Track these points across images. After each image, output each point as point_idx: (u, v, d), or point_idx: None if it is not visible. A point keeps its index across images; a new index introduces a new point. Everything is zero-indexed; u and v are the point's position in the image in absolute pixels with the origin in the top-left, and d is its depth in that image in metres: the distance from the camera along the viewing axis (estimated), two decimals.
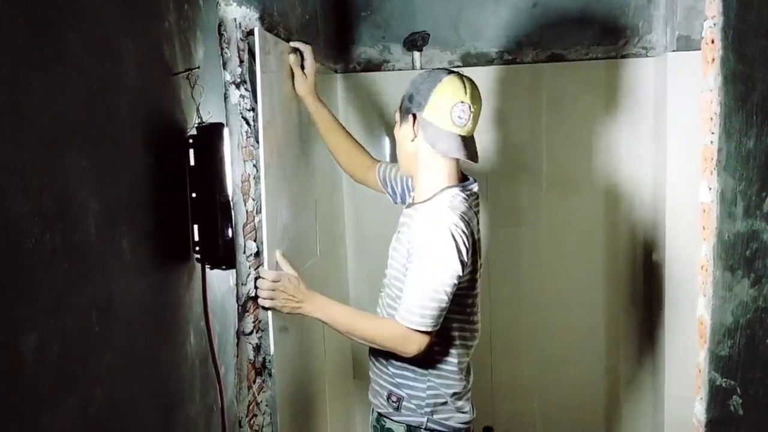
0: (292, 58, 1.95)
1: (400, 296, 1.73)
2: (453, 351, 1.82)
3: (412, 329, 1.67)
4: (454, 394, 1.83)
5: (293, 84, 1.99)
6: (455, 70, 1.78)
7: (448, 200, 1.73)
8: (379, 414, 1.90)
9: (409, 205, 1.84)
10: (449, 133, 1.72)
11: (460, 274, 1.67)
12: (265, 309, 1.76)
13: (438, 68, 1.83)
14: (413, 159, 1.80)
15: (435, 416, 1.82)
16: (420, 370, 1.81)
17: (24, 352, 0.87)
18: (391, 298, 1.80)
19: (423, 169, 1.79)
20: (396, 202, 2.10)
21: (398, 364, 1.82)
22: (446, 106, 1.70)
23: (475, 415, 1.91)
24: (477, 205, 1.84)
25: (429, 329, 1.67)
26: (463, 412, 1.86)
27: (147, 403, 1.24)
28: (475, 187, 1.83)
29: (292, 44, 1.97)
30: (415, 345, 1.69)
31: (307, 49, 1.99)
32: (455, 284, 1.67)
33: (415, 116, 1.75)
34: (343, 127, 2.14)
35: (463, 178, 1.84)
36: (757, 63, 1.33)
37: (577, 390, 3.09)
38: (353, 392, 3.11)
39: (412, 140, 1.77)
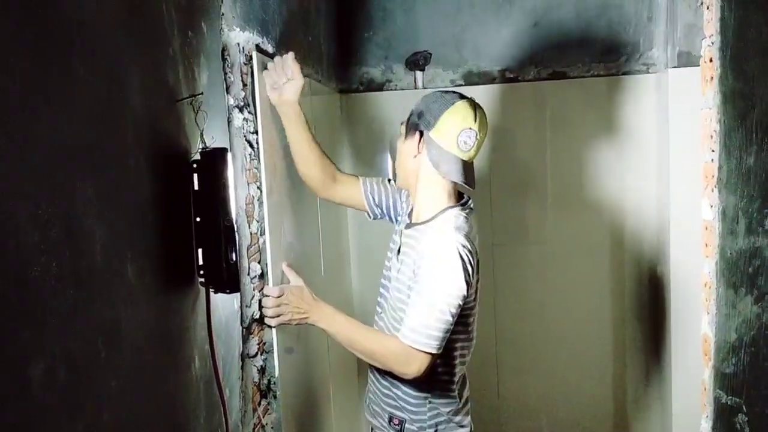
0: (296, 67, 1.81)
1: None
2: (453, 370, 1.82)
3: (414, 349, 1.66)
4: (451, 410, 1.84)
5: (279, 94, 1.83)
6: (469, 96, 1.79)
7: (452, 221, 1.74)
8: None
9: (409, 226, 1.84)
10: (452, 156, 1.73)
11: (465, 294, 1.67)
12: (272, 327, 1.77)
13: (452, 91, 1.79)
14: (413, 175, 1.81)
15: None
16: (421, 393, 1.81)
17: (32, 378, 0.87)
18: (397, 321, 1.79)
19: (423, 187, 1.80)
20: (373, 219, 2.06)
21: (399, 386, 1.82)
22: (454, 130, 1.72)
23: (474, 428, 1.92)
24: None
25: (433, 351, 1.66)
26: (462, 426, 1.86)
27: (152, 427, 1.24)
28: (471, 205, 1.84)
29: (289, 59, 1.82)
30: (416, 365, 1.67)
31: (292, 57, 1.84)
32: (460, 305, 1.68)
33: (422, 134, 1.75)
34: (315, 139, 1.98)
35: (459, 196, 1.85)
36: (756, 81, 1.34)
37: (585, 407, 3.07)
38: (359, 413, 3.09)
39: (415, 157, 1.77)
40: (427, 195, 1.79)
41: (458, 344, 1.80)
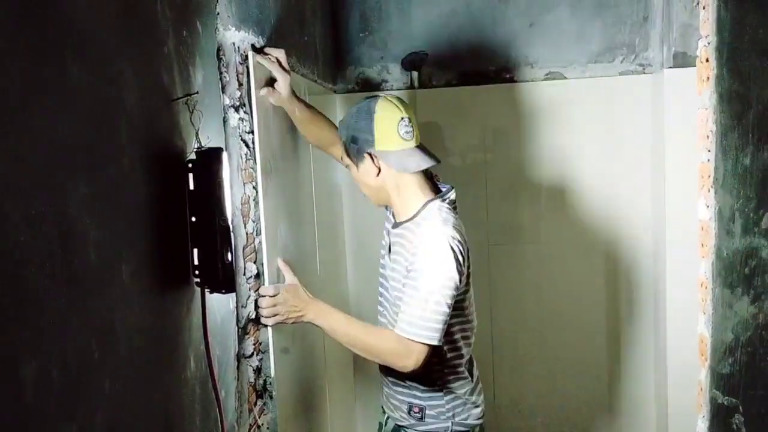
0: (277, 66, 1.88)
1: None
2: (458, 353, 1.85)
3: (412, 341, 1.68)
4: (467, 390, 1.87)
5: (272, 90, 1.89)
6: (373, 94, 1.80)
7: (437, 213, 1.75)
8: (399, 426, 1.92)
9: (396, 225, 1.85)
10: (407, 150, 1.76)
11: (458, 284, 1.69)
12: (267, 327, 1.77)
13: (361, 100, 1.82)
14: (383, 191, 1.83)
15: (457, 418, 1.86)
16: (434, 380, 1.84)
17: (25, 379, 0.87)
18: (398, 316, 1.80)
19: (396, 194, 1.82)
20: None
21: (412, 377, 1.84)
22: (392, 130, 1.74)
23: (485, 405, 1.95)
24: (455, 209, 1.85)
25: (433, 342, 1.68)
26: (476, 406, 1.90)
27: (147, 429, 1.23)
28: (452, 195, 1.85)
29: (272, 53, 1.89)
30: (413, 358, 1.69)
31: (280, 53, 1.92)
32: (455, 295, 1.69)
33: (370, 153, 1.77)
34: (317, 112, 2.08)
35: (436, 188, 1.86)
36: (752, 81, 1.34)
37: (580, 407, 3.08)
38: (355, 412, 3.09)
39: (378, 175, 1.79)
40: (404, 198, 1.82)
41: (458, 327, 1.83)
